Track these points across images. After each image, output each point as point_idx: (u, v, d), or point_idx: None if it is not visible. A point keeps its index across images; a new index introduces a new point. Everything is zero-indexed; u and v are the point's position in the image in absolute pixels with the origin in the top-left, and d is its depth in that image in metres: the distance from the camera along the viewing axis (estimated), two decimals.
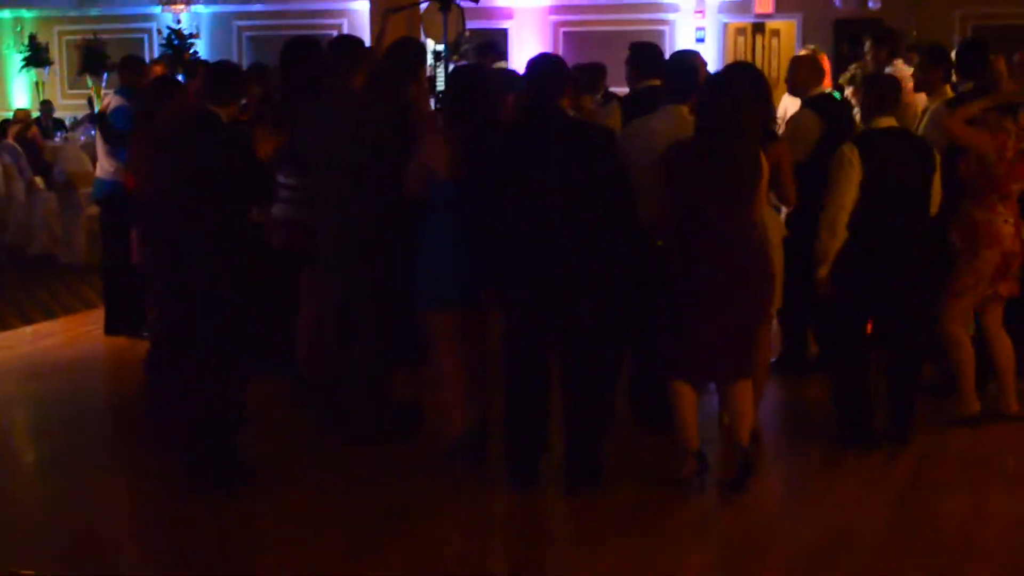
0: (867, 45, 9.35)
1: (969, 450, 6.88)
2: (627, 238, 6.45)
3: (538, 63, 6.23)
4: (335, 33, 20.99)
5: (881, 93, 6.75)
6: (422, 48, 7.50)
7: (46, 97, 20.95)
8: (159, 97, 7.71)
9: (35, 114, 18.43)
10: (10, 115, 18.82)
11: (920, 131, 7.53)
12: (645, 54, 7.50)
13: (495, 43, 9.18)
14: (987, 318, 7.23)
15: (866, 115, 6.82)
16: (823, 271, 6.62)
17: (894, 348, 6.86)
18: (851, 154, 6.54)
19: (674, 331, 6.16)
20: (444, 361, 6.45)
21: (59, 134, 17.28)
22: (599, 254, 6.07)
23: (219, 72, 6.55)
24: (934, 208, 6.76)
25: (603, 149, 6.13)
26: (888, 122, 6.72)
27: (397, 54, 7.27)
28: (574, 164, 5.99)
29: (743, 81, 6.58)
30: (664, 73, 6.96)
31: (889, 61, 9.16)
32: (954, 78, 7.86)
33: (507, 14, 21.58)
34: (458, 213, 6.20)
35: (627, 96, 7.65)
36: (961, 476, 6.57)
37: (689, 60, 6.96)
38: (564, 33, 22.41)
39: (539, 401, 6.19)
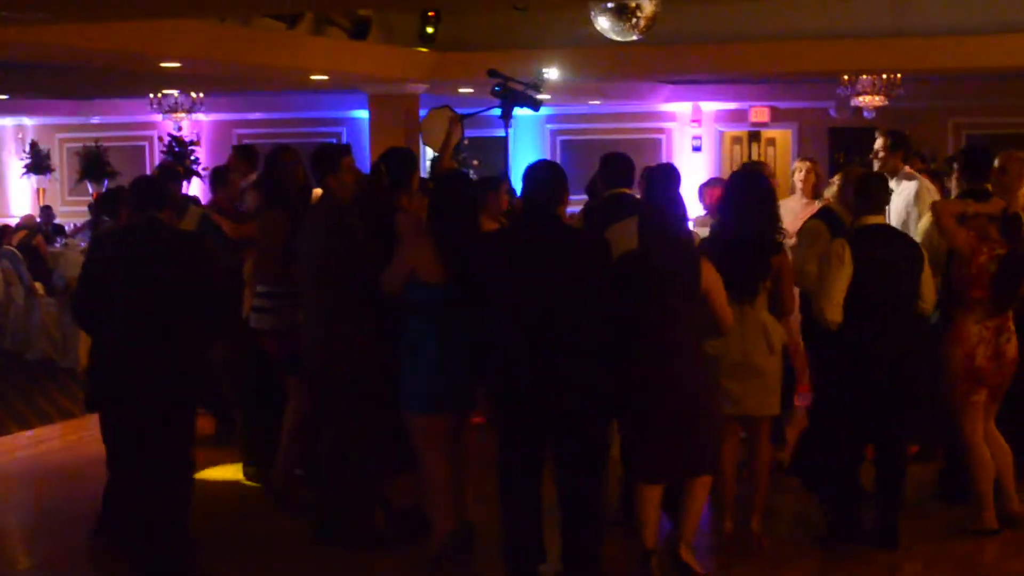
0: (880, 142, 8.83)
1: (973, 557, 6.82)
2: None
3: (537, 170, 6.24)
4: (335, 141, 21.18)
5: (871, 192, 6.83)
6: (413, 157, 7.58)
7: (46, 203, 21.09)
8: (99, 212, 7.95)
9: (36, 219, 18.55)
10: (11, 220, 18.96)
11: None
12: (617, 164, 7.66)
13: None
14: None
15: (856, 213, 6.90)
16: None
17: (883, 450, 6.83)
18: (842, 250, 6.60)
19: (633, 432, 6.17)
20: (429, 464, 6.43)
21: (59, 240, 17.36)
22: (595, 357, 6.02)
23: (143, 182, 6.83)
24: (929, 305, 6.81)
25: (600, 258, 6.10)
26: (876, 219, 6.81)
27: (392, 164, 7.31)
28: (569, 272, 5.97)
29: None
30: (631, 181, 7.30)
31: (901, 165, 8.77)
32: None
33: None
34: (443, 317, 6.24)
35: (592, 203, 7.60)
36: None
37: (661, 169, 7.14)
38: (561, 142, 22.64)
39: (535, 507, 6.13)
